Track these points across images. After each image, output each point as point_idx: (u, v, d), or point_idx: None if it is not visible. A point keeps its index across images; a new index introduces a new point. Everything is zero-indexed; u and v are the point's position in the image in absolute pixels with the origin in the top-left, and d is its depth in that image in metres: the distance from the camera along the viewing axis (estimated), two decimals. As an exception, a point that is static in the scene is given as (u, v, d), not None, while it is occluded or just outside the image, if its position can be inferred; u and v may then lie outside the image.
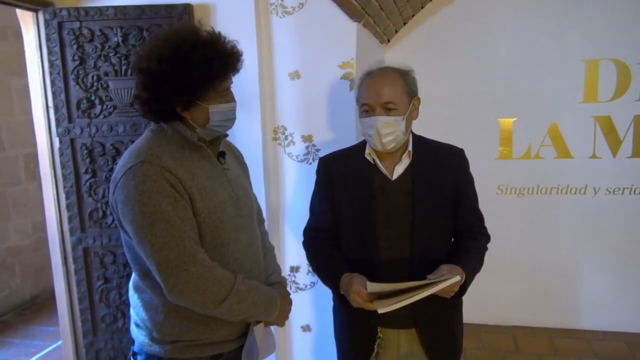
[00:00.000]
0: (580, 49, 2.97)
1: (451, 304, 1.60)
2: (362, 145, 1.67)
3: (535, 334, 3.21)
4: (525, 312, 3.29)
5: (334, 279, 1.57)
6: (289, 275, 2.48)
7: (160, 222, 1.23)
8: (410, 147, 1.60)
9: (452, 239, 1.69)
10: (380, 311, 1.34)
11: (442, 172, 1.60)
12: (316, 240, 1.72)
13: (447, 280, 1.36)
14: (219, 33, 1.36)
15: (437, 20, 3.11)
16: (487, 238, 1.68)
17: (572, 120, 3.05)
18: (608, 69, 2.96)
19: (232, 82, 1.41)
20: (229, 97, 1.41)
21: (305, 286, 2.48)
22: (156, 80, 1.28)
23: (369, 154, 1.62)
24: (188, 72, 1.26)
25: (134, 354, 1.44)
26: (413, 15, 3.09)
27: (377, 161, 1.61)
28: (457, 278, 1.38)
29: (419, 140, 1.65)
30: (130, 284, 1.46)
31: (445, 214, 1.60)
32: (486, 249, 1.66)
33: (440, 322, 1.63)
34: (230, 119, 1.43)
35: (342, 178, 1.65)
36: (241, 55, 1.39)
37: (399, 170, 1.59)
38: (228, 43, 1.36)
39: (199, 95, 1.32)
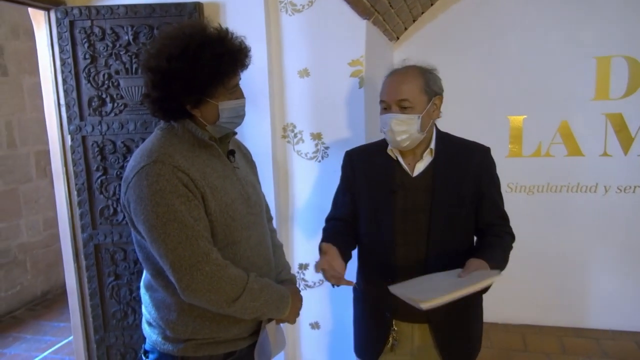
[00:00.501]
0: (592, 46, 2.94)
1: (468, 302, 1.57)
2: (386, 141, 1.66)
3: (545, 332, 3.19)
4: (535, 311, 3.27)
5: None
6: (298, 272, 2.49)
7: (173, 221, 1.23)
8: (432, 145, 1.60)
9: (474, 238, 1.68)
10: (424, 307, 1.29)
11: (464, 170, 1.59)
12: (329, 225, 1.75)
13: (488, 279, 1.34)
14: (227, 29, 1.35)
15: (446, 18, 3.10)
16: (512, 237, 1.65)
17: (583, 118, 3.02)
18: (620, 66, 2.93)
19: (240, 79, 1.41)
20: (238, 94, 1.41)
21: (314, 283, 2.48)
22: (166, 78, 1.28)
23: (390, 150, 1.62)
24: (198, 69, 1.26)
25: (146, 352, 1.44)
26: (422, 13, 3.07)
27: (399, 157, 1.61)
28: (498, 277, 1.36)
29: (443, 138, 1.64)
30: (142, 283, 1.46)
31: (465, 212, 1.59)
32: (511, 247, 1.63)
33: (454, 320, 1.62)
34: (240, 116, 1.43)
35: (364, 172, 1.67)
36: (249, 50, 1.39)
37: (419, 167, 1.59)
38: (236, 39, 1.35)
39: (209, 93, 1.32)
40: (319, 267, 1.47)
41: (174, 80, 1.27)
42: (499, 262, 1.54)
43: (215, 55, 1.27)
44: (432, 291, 1.36)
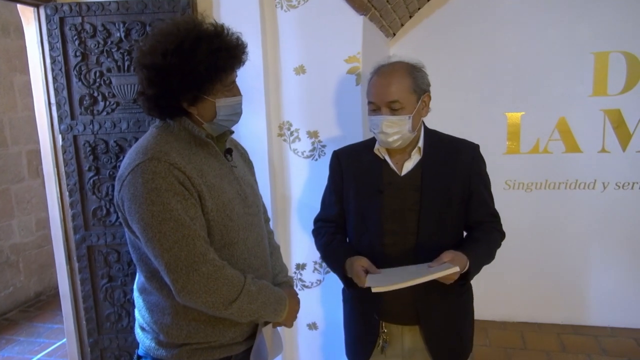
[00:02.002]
0: (589, 42, 2.92)
1: (457, 299, 1.60)
2: (373, 140, 1.65)
3: (543, 330, 3.18)
4: (533, 308, 3.26)
5: (339, 263, 1.60)
6: (295, 272, 2.45)
7: (169, 220, 1.20)
8: (420, 143, 1.58)
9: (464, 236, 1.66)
10: (373, 290, 1.36)
11: (453, 168, 1.57)
12: (322, 229, 1.75)
13: (444, 270, 1.35)
14: (223, 25, 1.33)
15: (443, 13, 3.07)
16: (502, 235, 1.64)
17: (581, 114, 3.00)
18: (617, 61, 2.91)
19: (237, 76, 1.39)
20: (235, 91, 1.38)
21: (312, 284, 2.45)
22: (162, 75, 1.25)
23: (378, 150, 1.61)
24: (195, 65, 1.24)
25: (139, 358, 1.41)
26: (419, 8, 3.04)
27: (387, 157, 1.59)
28: (456, 269, 1.37)
29: (431, 135, 1.62)
30: (135, 286, 1.43)
31: (454, 211, 1.58)
32: (498, 244, 1.62)
33: (444, 320, 1.60)
34: (237, 113, 1.41)
35: (352, 172, 1.66)
36: (246, 47, 1.37)
37: (408, 166, 1.58)
38: (232, 35, 1.33)
39: (206, 90, 1.30)
40: (358, 278, 1.49)
41: (171, 76, 1.24)
42: (480, 256, 1.53)
43: (212, 51, 1.25)
44: (391, 279, 1.39)
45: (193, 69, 1.24)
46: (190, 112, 1.33)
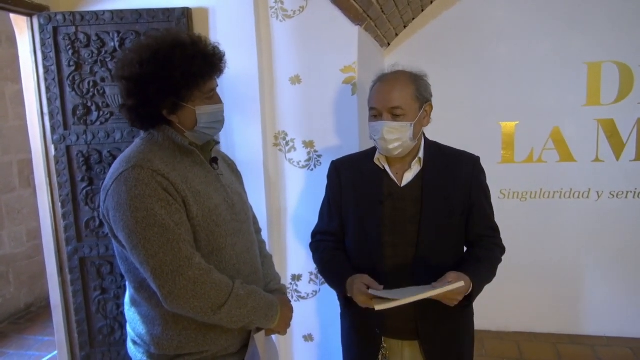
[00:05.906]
0: (582, 52, 2.95)
1: (458, 316, 1.57)
2: (373, 150, 1.63)
3: (539, 340, 3.17)
4: (529, 318, 3.25)
5: (340, 281, 1.56)
6: (291, 283, 2.43)
7: (153, 226, 1.20)
8: (421, 154, 1.57)
9: (464, 250, 1.65)
10: (377, 308, 1.34)
11: (453, 180, 1.56)
12: (321, 243, 1.71)
13: (449, 285, 1.33)
14: (200, 35, 1.36)
15: (437, 24, 3.08)
16: (502, 250, 1.63)
17: (575, 124, 3.02)
18: (610, 71, 2.94)
19: (217, 85, 1.40)
20: (215, 99, 1.39)
21: (307, 295, 2.43)
22: (139, 84, 1.27)
23: (377, 159, 1.59)
24: (170, 71, 1.25)
25: None
26: (414, 19, 3.06)
27: (387, 167, 1.58)
28: (461, 284, 1.35)
29: (431, 146, 1.61)
30: (126, 299, 1.42)
31: (455, 223, 1.56)
32: (500, 260, 1.60)
33: (444, 335, 1.58)
34: (219, 121, 1.41)
35: (351, 182, 1.63)
36: (224, 55, 1.38)
37: (408, 177, 1.56)
38: (209, 44, 1.36)
39: (184, 97, 1.31)
40: (359, 296, 1.44)
41: (148, 85, 1.26)
42: (483, 277, 1.51)
43: (187, 57, 1.27)
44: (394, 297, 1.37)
45: (169, 76, 1.26)
46: (171, 121, 1.34)
